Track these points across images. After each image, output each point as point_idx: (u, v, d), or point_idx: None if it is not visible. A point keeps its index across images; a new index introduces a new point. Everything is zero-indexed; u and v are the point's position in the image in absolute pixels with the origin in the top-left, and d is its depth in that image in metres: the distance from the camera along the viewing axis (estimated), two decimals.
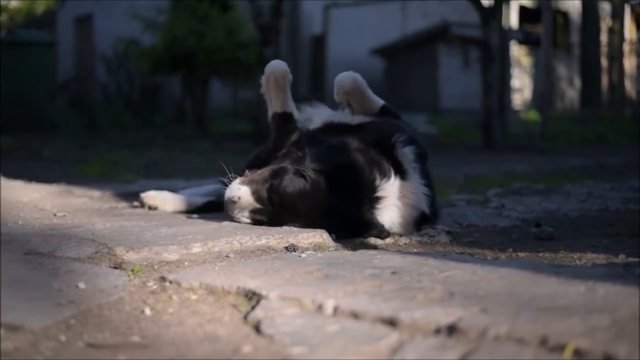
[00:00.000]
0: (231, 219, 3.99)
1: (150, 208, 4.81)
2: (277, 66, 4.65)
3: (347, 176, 3.81)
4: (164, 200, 4.85)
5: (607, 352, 1.69)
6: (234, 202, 3.80)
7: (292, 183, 3.75)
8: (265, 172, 3.88)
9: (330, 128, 4.42)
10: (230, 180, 3.91)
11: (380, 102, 4.68)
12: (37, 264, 2.80)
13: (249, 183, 3.84)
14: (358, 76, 4.56)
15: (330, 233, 3.65)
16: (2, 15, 26.59)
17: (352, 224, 3.81)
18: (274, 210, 3.80)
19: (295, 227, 3.73)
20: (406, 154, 4.04)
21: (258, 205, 3.80)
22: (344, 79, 4.53)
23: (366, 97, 4.61)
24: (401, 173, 3.96)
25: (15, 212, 4.43)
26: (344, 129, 4.34)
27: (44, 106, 15.99)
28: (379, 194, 3.85)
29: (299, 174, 3.76)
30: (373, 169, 3.86)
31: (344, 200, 3.77)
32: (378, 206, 3.85)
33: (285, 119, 4.64)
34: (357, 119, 4.51)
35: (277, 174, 3.82)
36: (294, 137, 4.33)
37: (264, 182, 3.81)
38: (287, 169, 3.82)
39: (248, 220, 3.84)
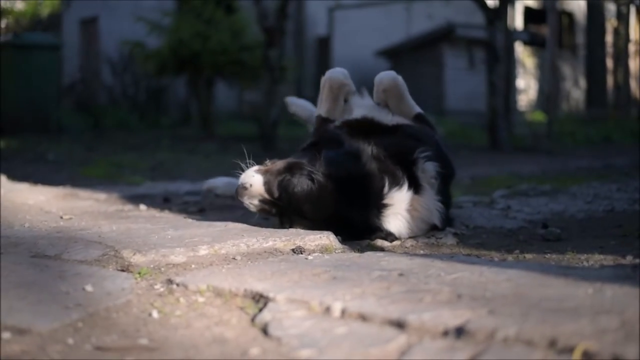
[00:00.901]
0: (238, 221, 3.99)
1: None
2: (335, 74, 4.63)
3: (355, 182, 3.80)
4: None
5: (616, 353, 1.68)
6: (245, 189, 3.82)
7: (300, 184, 3.73)
8: (281, 164, 3.88)
9: (366, 123, 4.38)
10: (248, 167, 3.93)
11: (417, 109, 4.68)
12: (44, 267, 2.80)
13: (264, 173, 3.85)
14: (398, 77, 4.61)
15: (336, 235, 3.65)
16: (7, 18, 26.65)
17: (357, 228, 3.81)
18: (281, 206, 3.82)
19: (300, 228, 3.74)
20: (427, 169, 3.99)
21: (267, 197, 3.80)
22: (384, 77, 4.60)
23: (404, 99, 4.63)
24: (416, 186, 3.93)
25: (21, 215, 4.44)
26: (379, 128, 4.32)
27: (50, 108, 16.02)
28: (386, 201, 3.83)
29: (309, 176, 3.75)
30: (384, 177, 3.83)
31: (351, 206, 3.76)
32: (385, 213, 3.83)
33: (324, 123, 4.60)
34: (395, 120, 4.50)
35: (291, 169, 3.80)
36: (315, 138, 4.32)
37: (277, 174, 3.80)
38: (301, 166, 3.80)
39: (255, 209, 3.88)
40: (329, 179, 3.74)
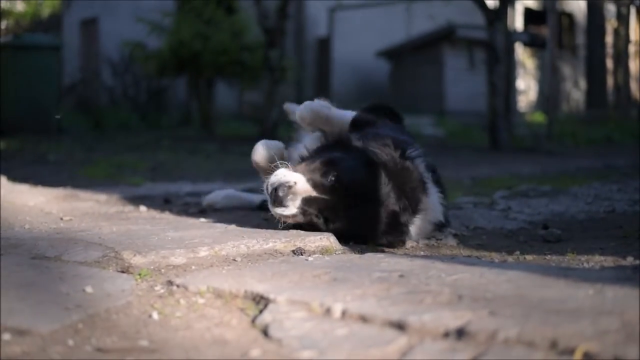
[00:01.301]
0: (238, 222, 3.99)
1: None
2: (255, 155, 4.73)
3: (407, 176, 3.80)
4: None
5: (617, 355, 1.68)
6: (289, 187, 3.57)
7: (353, 169, 3.70)
8: (314, 163, 3.73)
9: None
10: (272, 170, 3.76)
11: (348, 115, 4.48)
12: (44, 268, 2.80)
13: (300, 172, 3.68)
14: (313, 104, 4.40)
15: (364, 231, 3.68)
16: (7, 19, 26.67)
17: (390, 224, 3.73)
18: (331, 198, 3.63)
19: (344, 224, 3.67)
20: (422, 165, 3.98)
21: (314, 194, 3.61)
22: (302, 112, 4.39)
23: (332, 117, 4.41)
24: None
25: (21, 216, 4.44)
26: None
27: (50, 109, 16.02)
28: (420, 206, 3.84)
29: (363, 159, 3.74)
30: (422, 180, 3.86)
31: (397, 199, 3.73)
32: (415, 217, 3.82)
33: None
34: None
35: (331, 163, 3.70)
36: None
37: (315, 170, 3.66)
38: (339, 160, 3.74)
39: (295, 212, 3.62)
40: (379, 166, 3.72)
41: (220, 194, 5.36)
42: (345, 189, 3.63)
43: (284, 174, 3.62)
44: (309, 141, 4.38)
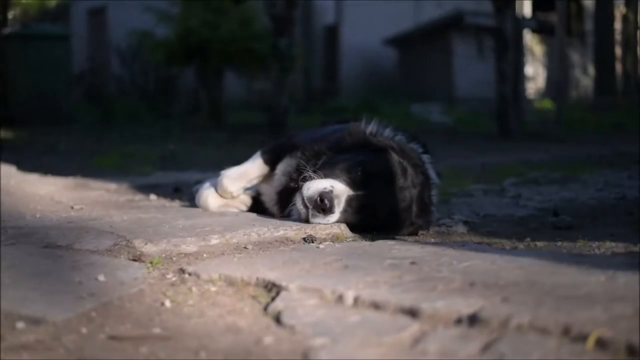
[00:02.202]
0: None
1: None
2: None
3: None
4: None
5: (630, 340, 1.68)
6: (330, 192, 3.51)
7: (370, 159, 3.72)
8: (331, 169, 3.68)
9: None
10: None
11: (256, 158, 4.39)
12: (57, 257, 2.80)
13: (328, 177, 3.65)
14: (223, 177, 4.33)
15: (403, 217, 3.70)
16: (15, 9, 26.66)
17: (420, 206, 3.78)
18: (366, 192, 3.59)
19: (376, 219, 3.65)
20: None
21: (351, 192, 3.57)
22: (224, 187, 4.32)
23: (249, 174, 4.36)
24: None
25: (32, 205, 4.44)
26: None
27: (60, 99, 16.05)
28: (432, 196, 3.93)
29: (369, 149, 3.77)
30: None
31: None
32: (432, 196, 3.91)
33: None
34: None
35: (347, 161, 3.70)
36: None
37: (339, 172, 3.64)
38: (353, 155, 3.75)
39: (338, 217, 3.55)
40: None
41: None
42: (376, 178, 3.63)
43: (317, 183, 3.57)
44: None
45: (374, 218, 3.64)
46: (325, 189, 3.51)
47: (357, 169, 3.62)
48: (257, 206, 4.34)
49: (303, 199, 3.56)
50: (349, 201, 3.57)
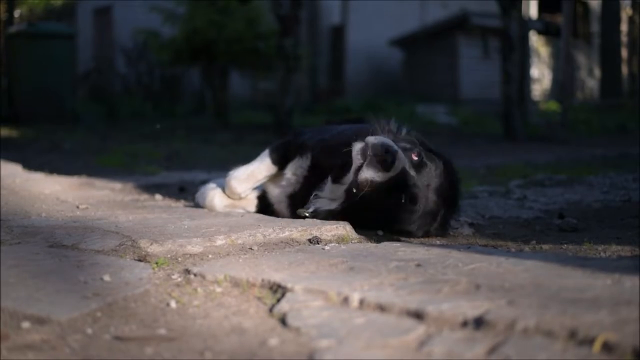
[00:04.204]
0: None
1: None
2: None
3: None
4: None
5: (636, 344, 1.68)
6: (396, 151, 3.42)
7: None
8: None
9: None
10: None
11: (265, 157, 4.33)
12: (62, 257, 2.81)
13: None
14: (231, 179, 4.30)
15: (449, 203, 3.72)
16: (21, 7, 26.69)
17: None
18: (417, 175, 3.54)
19: (420, 206, 3.60)
20: None
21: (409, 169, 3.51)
22: (232, 188, 4.30)
23: (257, 174, 4.32)
24: None
25: (38, 204, 4.45)
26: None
27: (65, 98, 16.06)
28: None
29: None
30: None
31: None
32: None
33: None
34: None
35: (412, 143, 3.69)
36: None
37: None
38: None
39: (389, 177, 3.44)
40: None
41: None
42: (427, 165, 3.60)
43: (382, 137, 3.52)
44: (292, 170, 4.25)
45: (418, 204, 3.57)
46: (390, 144, 3.43)
47: (416, 150, 3.59)
48: (264, 205, 4.34)
49: (364, 147, 3.47)
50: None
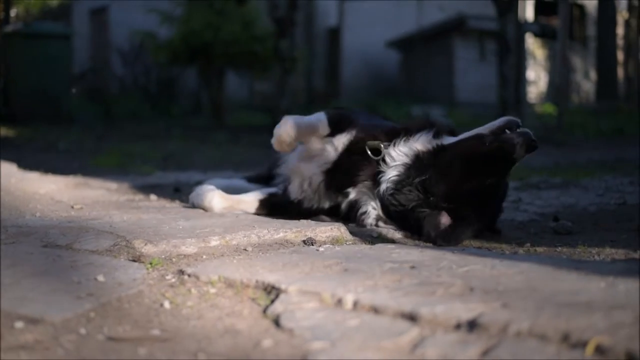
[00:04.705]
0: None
1: None
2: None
3: None
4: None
5: (629, 348, 1.68)
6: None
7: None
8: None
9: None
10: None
11: (322, 117, 4.21)
12: (56, 257, 2.80)
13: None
14: (290, 120, 4.14)
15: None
16: (17, 7, 26.67)
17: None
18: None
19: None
20: None
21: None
22: (285, 130, 4.11)
23: (312, 125, 4.17)
24: None
25: (32, 204, 4.44)
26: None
27: (61, 98, 16.06)
28: None
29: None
30: None
31: None
32: None
33: None
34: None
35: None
36: None
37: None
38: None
39: None
40: None
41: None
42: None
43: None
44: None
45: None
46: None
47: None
48: (270, 206, 4.31)
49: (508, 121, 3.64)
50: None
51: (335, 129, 4.09)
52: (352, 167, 3.89)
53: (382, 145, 3.81)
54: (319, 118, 4.15)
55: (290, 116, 4.15)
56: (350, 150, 3.97)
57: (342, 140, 4.04)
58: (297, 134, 4.09)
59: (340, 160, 4.00)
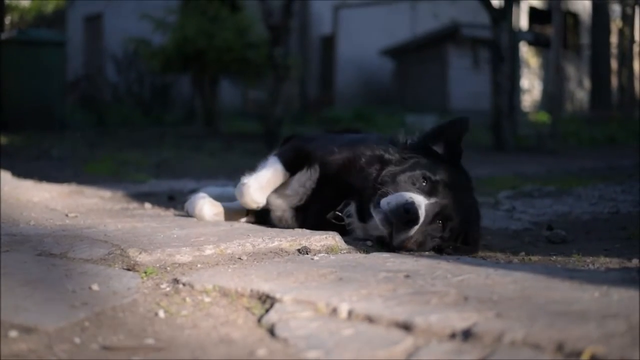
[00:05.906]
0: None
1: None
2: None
3: None
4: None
5: (623, 357, 1.68)
6: (412, 202, 3.36)
7: (432, 165, 3.69)
8: (401, 177, 3.61)
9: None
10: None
11: (276, 165, 4.15)
12: (50, 265, 2.80)
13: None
14: (250, 188, 4.07)
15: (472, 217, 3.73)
16: (12, 14, 26.67)
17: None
18: (441, 200, 3.54)
19: (454, 224, 3.61)
20: None
21: (429, 200, 3.50)
22: (252, 197, 4.08)
23: (272, 182, 4.12)
24: None
25: (26, 213, 4.43)
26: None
27: (54, 105, 16.05)
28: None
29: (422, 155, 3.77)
30: None
31: None
32: None
33: None
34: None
35: (415, 168, 3.66)
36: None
37: (406, 182, 3.59)
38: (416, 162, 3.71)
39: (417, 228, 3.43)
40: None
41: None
42: (444, 186, 3.59)
43: (394, 197, 3.45)
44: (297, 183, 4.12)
45: (452, 222, 3.58)
46: (407, 200, 3.37)
47: (421, 176, 3.57)
48: (259, 216, 4.29)
49: (386, 215, 3.43)
50: (427, 210, 3.47)
51: (293, 168, 4.08)
52: (320, 201, 3.89)
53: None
54: (275, 167, 4.11)
55: (246, 179, 4.09)
56: (318, 185, 3.97)
57: (303, 179, 4.02)
58: (261, 197, 4.09)
59: (308, 197, 3.99)
